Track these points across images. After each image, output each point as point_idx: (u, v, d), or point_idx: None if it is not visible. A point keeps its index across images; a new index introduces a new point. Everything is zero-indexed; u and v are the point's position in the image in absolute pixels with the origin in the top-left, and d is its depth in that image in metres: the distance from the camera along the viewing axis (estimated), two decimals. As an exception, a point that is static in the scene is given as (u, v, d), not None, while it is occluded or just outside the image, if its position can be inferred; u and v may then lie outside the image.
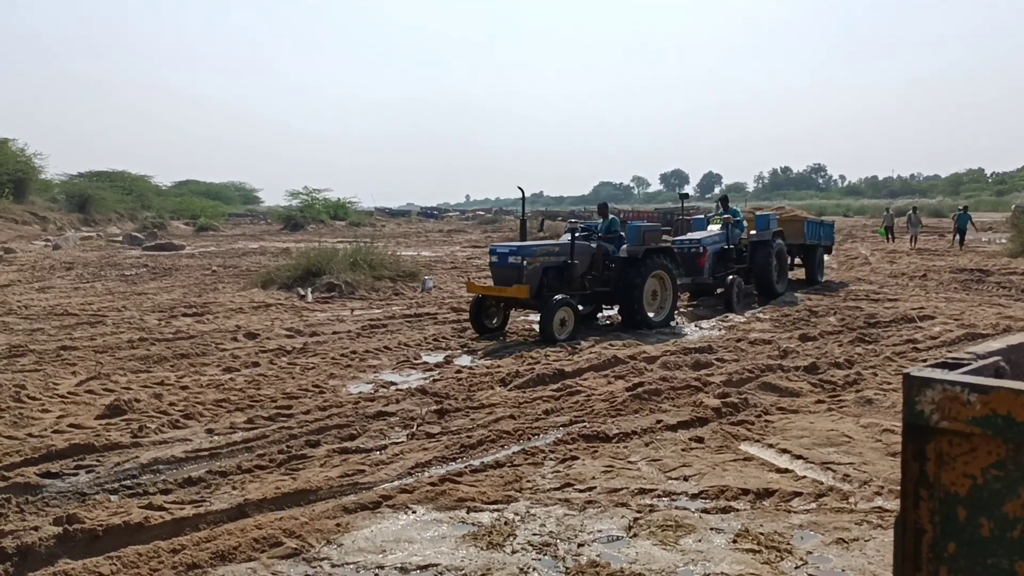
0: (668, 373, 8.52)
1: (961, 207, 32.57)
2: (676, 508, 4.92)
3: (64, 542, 4.26)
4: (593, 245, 12.35)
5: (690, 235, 15.70)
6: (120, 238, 35.98)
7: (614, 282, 12.13)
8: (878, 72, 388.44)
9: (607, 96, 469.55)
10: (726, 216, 15.62)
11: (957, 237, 28.34)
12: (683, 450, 6.07)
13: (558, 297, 10.93)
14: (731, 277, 14.33)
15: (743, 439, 6.33)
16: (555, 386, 8.04)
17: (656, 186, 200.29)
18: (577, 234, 12.26)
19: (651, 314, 12.15)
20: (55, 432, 6.39)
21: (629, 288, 11.86)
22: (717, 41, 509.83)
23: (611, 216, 13.18)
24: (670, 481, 5.40)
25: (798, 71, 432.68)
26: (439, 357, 10.01)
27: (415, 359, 9.80)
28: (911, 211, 32.38)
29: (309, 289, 15.74)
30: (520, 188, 13.61)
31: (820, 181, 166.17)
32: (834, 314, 13.16)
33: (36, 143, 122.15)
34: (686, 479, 5.43)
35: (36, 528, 4.40)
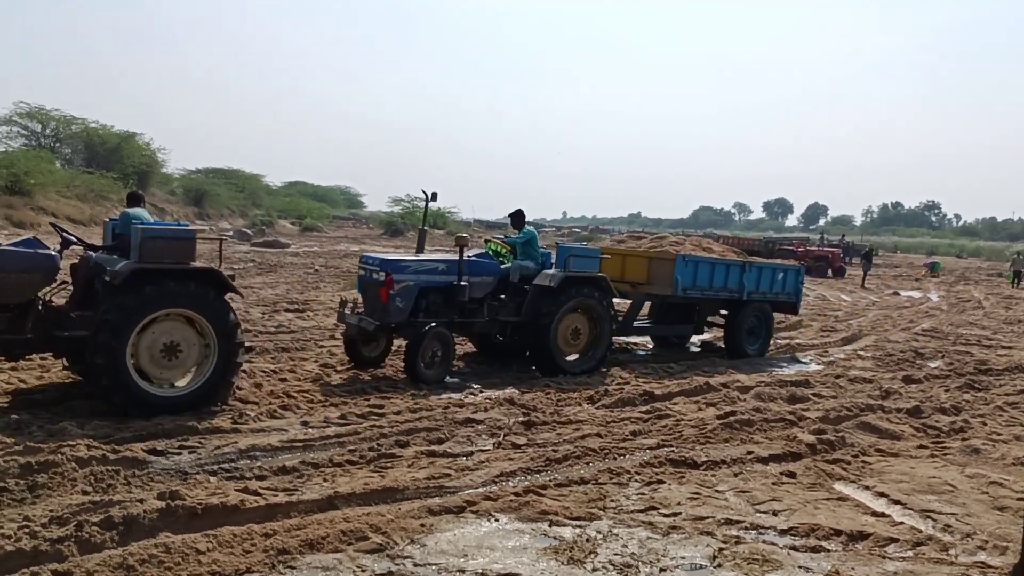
0: (762, 404, 8.30)
1: None
2: (763, 542, 4.79)
3: (166, 516, 4.46)
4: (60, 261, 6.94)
5: (389, 256, 10.02)
6: (231, 233, 37.58)
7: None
8: (1000, 107, 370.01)
9: (710, 121, 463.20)
10: (523, 238, 10.31)
11: None
12: (774, 484, 5.90)
13: None
14: (429, 327, 8.76)
15: (838, 478, 6.11)
16: (643, 408, 7.96)
17: (758, 213, 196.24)
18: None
19: (157, 387, 6.74)
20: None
21: (95, 340, 6.47)
22: (825, 68, 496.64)
23: (140, 207, 8.00)
24: (758, 514, 5.26)
25: (912, 102, 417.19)
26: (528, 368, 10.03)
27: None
28: None
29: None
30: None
31: (933, 219, 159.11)
32: (942, 357, 12.58)
33: (160, 138, 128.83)
34: (775, 514, 5.28)
35: (141, 501, 4.63)
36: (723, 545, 4.69)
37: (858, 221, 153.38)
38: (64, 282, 7.24)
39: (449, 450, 6.23)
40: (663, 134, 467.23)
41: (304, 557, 4.21)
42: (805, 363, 11.95)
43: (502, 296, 9.95)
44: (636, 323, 11.93)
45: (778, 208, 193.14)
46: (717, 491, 5.68)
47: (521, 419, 7.20)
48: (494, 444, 6.49)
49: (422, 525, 4.72)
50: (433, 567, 4.22)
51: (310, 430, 6.53)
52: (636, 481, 5.79)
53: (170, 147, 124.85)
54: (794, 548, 4.73)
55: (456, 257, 9.45)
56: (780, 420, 7.66)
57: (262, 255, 26.05)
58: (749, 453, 6.58)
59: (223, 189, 53.89)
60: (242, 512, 4.64)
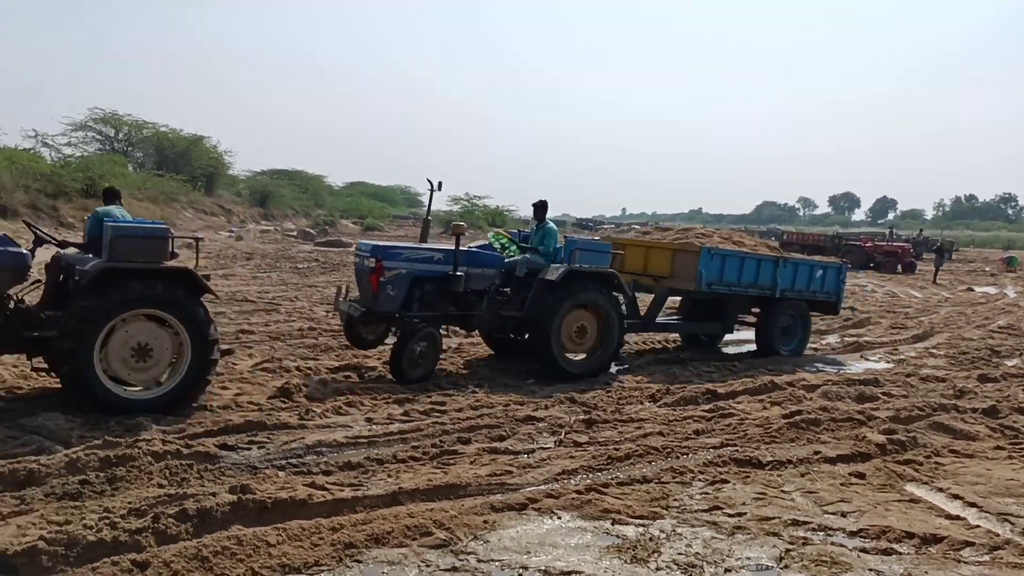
0: (829, 403, 8.13)
1: None
2: (832, 544, 4.70)
3: (237, 510, 4.58)
4: None
5: (381, 242, 9.25)
6: (294, 233, 38.37)
7: None
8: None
9: (773, 115, 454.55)
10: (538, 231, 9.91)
11: None
12: (842, 485, 5.78)
13: None
14: (423, 328, 8.38)
15: (909, 479, 5.95)
16: (707, 407, 7.87)
17: (824, 208, 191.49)
18: None
19: (127, 389, 6.56)
20: (232, 408, 6.90)
21: (62, 341, 6.30)
22: (890, 60, 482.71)
23: (115, 204, 7.82)
24: (826, 515, 5.16)
25: (984, 92, 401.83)
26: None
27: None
28: None
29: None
30: None
31: (1009, 212, 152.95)
32: (1020, 355, 12.14)
33: (227, 141, 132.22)
34: (844, 515, 5.17)
35: (214, 494, 4.76)
36: (790, 546, 4.61)
37: (929, 215, 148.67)
38: (38, 281, 7.22)
39: (511, 447, 6.26)
40: (725, 130, 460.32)
41: (370, 551, 4.29)
42: (874, 361, 11.65)
43: (507, 290, 9.47)
44: (661, 319, 11.43)
45: (844, 203, 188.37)
46: (783, 491, 5.59)
47: (582, 417, 7.19)
48: (555, 442, 6.49)
49: (485, 521, 4.75)
50: (496, 563, 4.25)
51: (374, 427, 6.63)
52: (699, 480, 5.73)
53: (237, 149, 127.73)
54: (864, 550, 4.62)
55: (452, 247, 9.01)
56: (848, 419, 7.49)
57: (325, 254, 26.52)
58: (816, 453, 6.45)
59: (287, 190, 55.08)
60: (310, 506, 4.73)
